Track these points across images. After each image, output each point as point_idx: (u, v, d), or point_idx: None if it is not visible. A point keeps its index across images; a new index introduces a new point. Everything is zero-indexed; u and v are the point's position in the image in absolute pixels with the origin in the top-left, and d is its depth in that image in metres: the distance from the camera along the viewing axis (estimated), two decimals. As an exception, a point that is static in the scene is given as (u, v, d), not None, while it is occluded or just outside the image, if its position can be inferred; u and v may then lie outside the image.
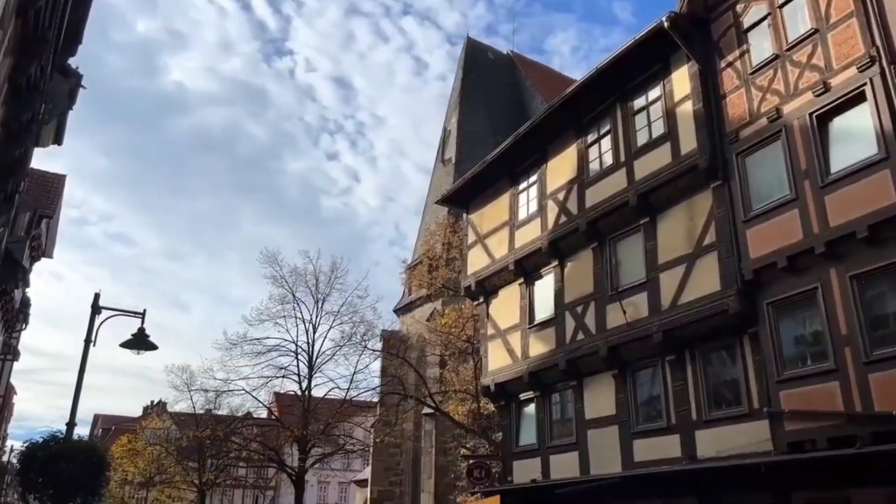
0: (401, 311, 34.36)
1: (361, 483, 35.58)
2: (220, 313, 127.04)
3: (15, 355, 26.65)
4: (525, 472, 14.81)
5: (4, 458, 35.64)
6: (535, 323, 15.14)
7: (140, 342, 11.36)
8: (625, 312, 12.44)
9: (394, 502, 31.83)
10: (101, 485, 11.15)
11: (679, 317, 11.55)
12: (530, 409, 15.40)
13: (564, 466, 13.72)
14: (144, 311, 11.59)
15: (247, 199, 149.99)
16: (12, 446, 36.42)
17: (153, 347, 11.47)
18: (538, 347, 14.90)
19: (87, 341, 10.88)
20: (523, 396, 15.58)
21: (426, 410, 27.16)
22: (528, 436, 15.33)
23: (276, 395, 33.48)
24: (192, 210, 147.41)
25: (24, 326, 25.10)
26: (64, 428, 11.13)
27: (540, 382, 14.83)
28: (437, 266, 25.81)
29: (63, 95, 10.06)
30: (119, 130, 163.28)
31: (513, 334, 15.84)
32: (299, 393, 28.97)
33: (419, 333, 30.62)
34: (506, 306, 16.43)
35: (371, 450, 32.85)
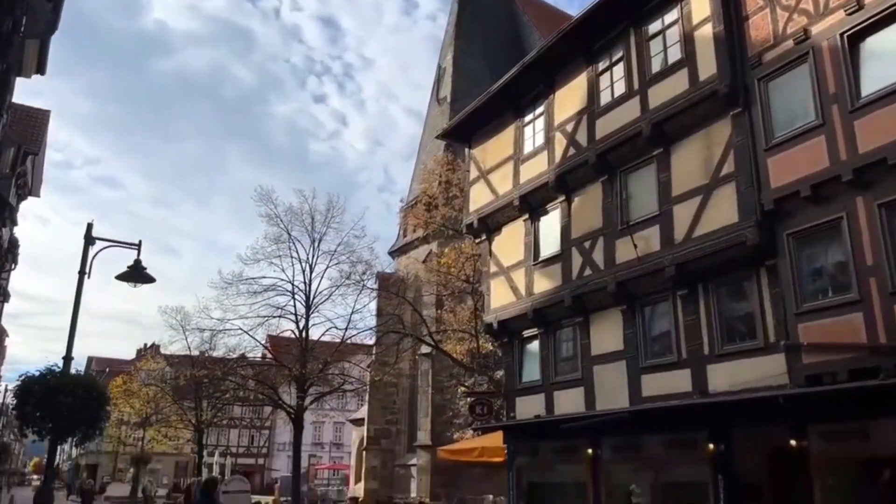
0: (396, 252, 34.02)
1: (357, 422, 35.86)
2: (211, 259, 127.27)
3: (5, 296, 26.23)
4: (528, 408, 14.73)
5: (-1, 399, 35.62)
6: (541, 259, 14.82)
7: (137, 275, 10.88)
8: (636, 246, 12.09)
9: (390, 440, 32.19)
10: (101, 419, 10.88)
11: (693, 250, 11.21)
12: (534, 345, 15.21)
13: (569, 402, 13.62)
14: (140, 242, 11.09)
15: (233, 144, 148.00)
16: (6, 386, 36.39)
17: (150, 280, 10.99)
18: (543, 284, 14.62)
19: (82, 273, 10.42)
20: (527, 333, 15.38)
21: (423, 350, 27.11)
22: (531, 372, 15.19)
23: (270, 336, 33.32)
24: (179, 154, 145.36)
25: (13, 266, 24.60)
26: (60, 363, 10.79)
27: (544, 319, 14.60)
28: (436, 205, 25.33)
29: (45, 10, 9.34)
30: (101, 72, 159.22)
31: (516, 271, 15.53)
32: (297, 333, 28.79)
33: (415, 274, 30.37)
34: (509, 243, 16.06)
35: (368, 389, 32.99)
